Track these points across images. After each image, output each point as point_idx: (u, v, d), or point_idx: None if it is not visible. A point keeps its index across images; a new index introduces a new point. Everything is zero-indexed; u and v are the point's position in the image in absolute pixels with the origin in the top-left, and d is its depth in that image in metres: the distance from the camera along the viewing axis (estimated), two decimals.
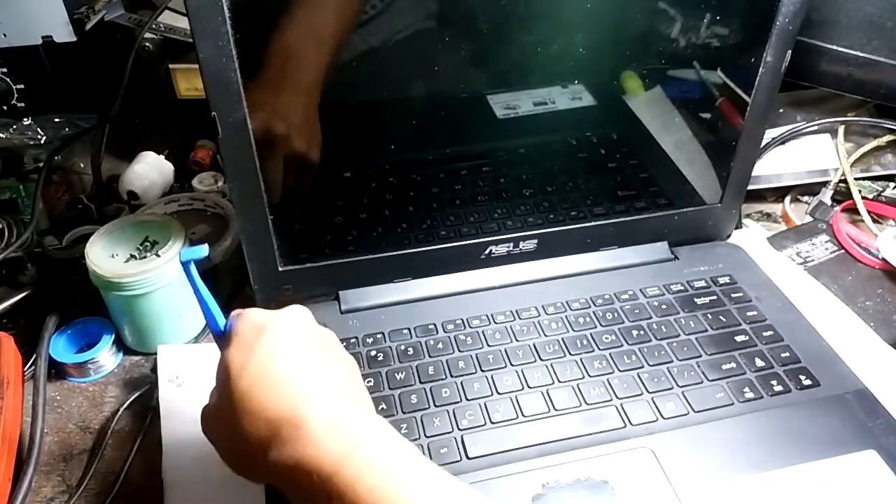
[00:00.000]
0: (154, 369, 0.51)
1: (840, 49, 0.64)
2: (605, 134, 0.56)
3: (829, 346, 0.51)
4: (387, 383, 0.49)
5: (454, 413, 0.47)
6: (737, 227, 0.62)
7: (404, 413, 0.47)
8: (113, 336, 0.54)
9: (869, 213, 0.64)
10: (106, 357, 0.54)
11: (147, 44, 0.63)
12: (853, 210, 0.65)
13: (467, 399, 0.47)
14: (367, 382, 0.48)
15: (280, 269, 0.53)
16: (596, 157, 0.57)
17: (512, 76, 0.52)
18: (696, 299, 0.55)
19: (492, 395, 0.48)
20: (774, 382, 0.48)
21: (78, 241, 0.62)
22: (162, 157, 0.71)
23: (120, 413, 0.50)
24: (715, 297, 0.55)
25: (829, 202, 0.66)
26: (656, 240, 0.59)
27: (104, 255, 0.52)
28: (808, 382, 0.48)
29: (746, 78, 0.53)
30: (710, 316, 0.53)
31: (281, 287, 0.53)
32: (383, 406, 0.47)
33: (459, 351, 0.51)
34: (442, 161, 0.54)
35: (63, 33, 0.67)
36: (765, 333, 0.52)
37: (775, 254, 0.61)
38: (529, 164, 0.56)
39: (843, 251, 0.61)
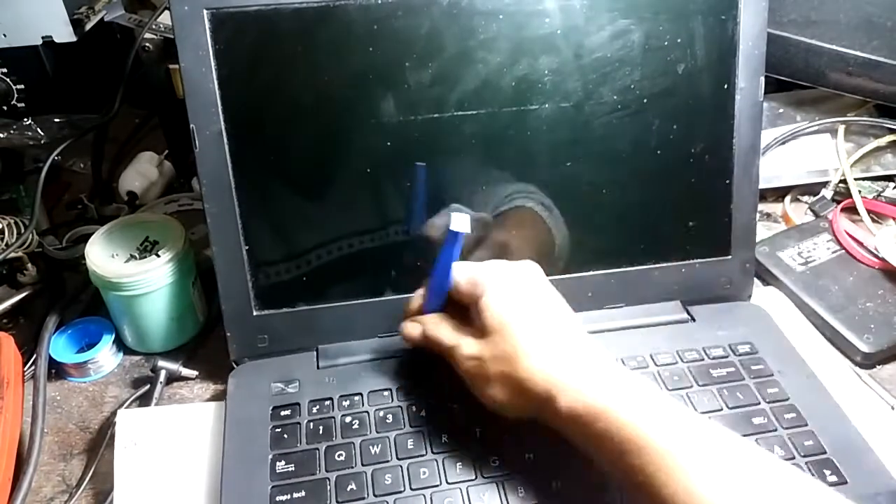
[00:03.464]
0: (154, 369, 0.51)
1: (840, 49, 0.64)
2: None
3: (859, 434, 0.45)
4: (360, 458, 0.43)
5: (432, 499, 0.41)
6: None
7: (376, 496, 0.41)
8: (113, 336, 0.54)
9: (868, 212, 0.64)
10: (106, 357, 0.54)
11: (147, 44, 0.63)
12: (853, 210, 0.65)
13: (448, 482, 0.42)
14: (338, 455, 0.43)
15: (255, 313, 0.49)
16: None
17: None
18: (712, 371, 0.48)
19: (475, 478, 0.42)
20: None
21: (78, 241, 0.62)
22: (162, 156, 0.71)
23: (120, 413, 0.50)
24: (733, 369, 0.49)
25: (829, 202, 0.66)
26: (668, 298, 0.54)
27: (104, 255, 0.51)
28: (833, 479, 0.42)
29: (724, 115, 0.52)
30: (726, 392, 0.47)
31: (255, 336, 0.49)
32: (353, 486, 0.42)
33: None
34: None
35: (63, 33, 0.67)
36: (786, 416, 0.46)
37: (802, 321, 0.56)
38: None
39: (844, 251, 0.61)
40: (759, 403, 0.46)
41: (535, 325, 0.41)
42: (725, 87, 0.52)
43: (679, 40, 0.50)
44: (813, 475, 0.42)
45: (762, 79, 0.52)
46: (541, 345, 0.40)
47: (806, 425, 0.45)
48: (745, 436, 0.43)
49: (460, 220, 0.43)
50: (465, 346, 0.42)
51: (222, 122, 0.46)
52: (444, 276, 0.44)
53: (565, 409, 0.37)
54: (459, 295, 0.44)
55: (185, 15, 0.44)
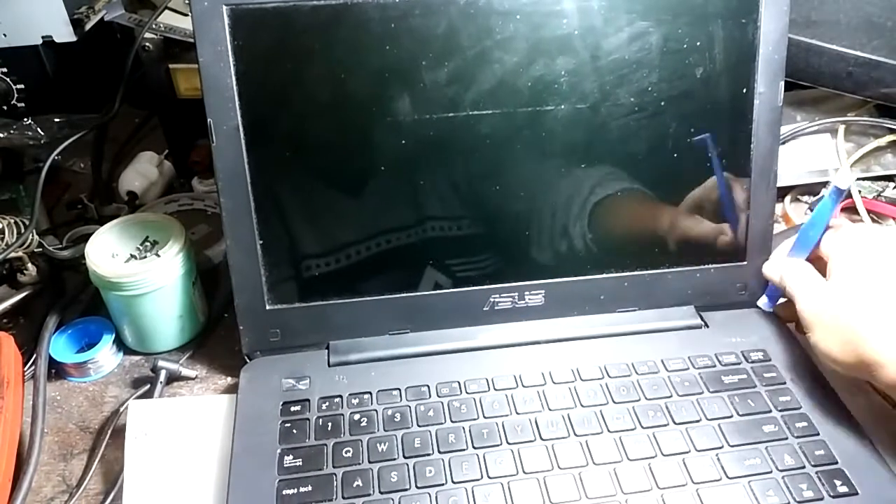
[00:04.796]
0: (154, 369, 0.51)
1: (840, 49, 0.64)
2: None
3: (871, 445, 0.44)
4: (367, 455, 0.43)
5: (437, 498, 0.41)
6: None
7: (381, 493, 0.41)
8: (113, 336, 0.54)
9: (868, 212, 0.64)
10: (106, 357, 0.54)
11: (147, 44, 0.63)
12: (853, 210, 0.65)
13: (454, 482, 0.42)
14: (346, 452, 0.44)
15: (268, 307, 0.49)
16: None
17: None
18: (723, 377, 0.48)
19: (481, 478, 0.42)
20: (804, 486, 0.42)
21: (78, 241, 0.62)
22: (162, 156, 0.71)
23: (120, 413, 0.50)
24: (745, 377, 0.48)
25: None
26: (681, 303, 0.53)
27: (104, 255, 0.51)
28: (844, 489, 0.42)
29: (743, 120, 0.52)
30: (737, 399, 0.47)
31: (268, 330, 0.50)
32: (359, 483, 0.42)
33: (452, 421, 0.45)
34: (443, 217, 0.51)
35: (63, 33, 0.67)
36: (798, 424, 0.45)
37: None
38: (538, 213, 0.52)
39: None
40: (771, 411, 0.46)
41: (880, 292, 0.43)
42: (745, 91, 0.51)
43: (698, 43, 0.50)
44: (823, 485, 0.42)
45: (782, 84, 0.51)
46: (879, 316, 0.42)
47: (817, 434, 0.45)
48: (755, 443, 0.44)
49: (845, 177, 0.46)
50: (809, 297, 0.46)
51: (239, 118, 0.46)
52: (810, 228, 0.49)
53: (891, 381, 0.41)
54: (820, 250, 0.48)
55: (204, 10, 0.45)
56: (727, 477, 0.42)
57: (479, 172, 0.50)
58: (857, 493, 0.42)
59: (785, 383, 0.48)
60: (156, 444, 0.46)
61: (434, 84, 0.47)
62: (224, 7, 0.45)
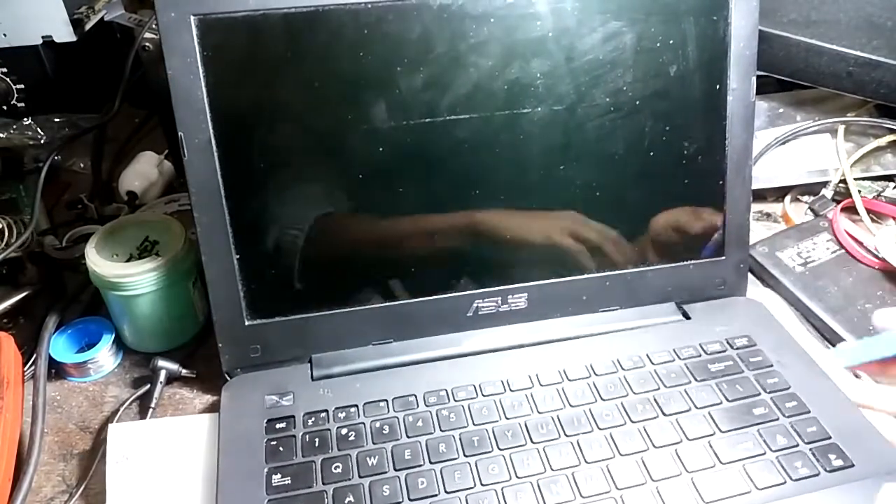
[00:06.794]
0: (154, 369, 0.51)
1: (840, 49, 0.64)
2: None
3: (863, 417, 0.45)
4: (357, 470, 0.43)
5: None
6: None
7: None
8: (113, 336, 0.54)
9: (868, 212, 0.64)
10: (106, 357, 0.54)
11: (147, 44, 0.63)
12: (853, 210, 0.65)
13: (447, 492, 0.41)
14: (335, 468, 0.43)
15: (247, 323, 0.48)
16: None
17: None
18: (709, 365, 0.49)
19: (474, 486, 0.42)
20: (799, 464, 0.42)
21: (78, 241, 0.62)
22: (162, 156, 0.71)
23: (120, 413, 0.50)
24: (731, 363, 0.49)
25: (829, 201, 0.66)
26: (662, 300, 0.54)
27: (104, 255, 0.52)
28: (839, 463, 0.42)
29: (717, 116, 0.52)
30: (725, 385, 0.47)
31: (248, 346, 0.49)
32: (350, 499, 0.41)
33: (441, 430, 0.45)
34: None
35: (63, 33, 0.67)
36: (788, 404, 0.46)
37: (797, 325, 0.56)
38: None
39: (843, 251, 0.61)
40: (760, 394, 0.47)
41: None
42: (717, 87, 0.52)
43: (671, 42, 0.50)
44: (818, 461, 0.42)
45: (754, 79, 0.52)
46: None
47: (808, 412, 0.45)
48: (746, 427, 0.45)
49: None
50: None
51: (211, 130, 0.45)
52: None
53: None
54: None
55: (171, 21, 0.43)
56: (721, 463, 0.43)
57: (458, 177, 0.50)
58: (852, 465, 0.42)
59: (772, 366, 0.49)
60: (138, 468, 0.45)
61: (410, 90, 0.47)
62: (192, 17, 0.43)
